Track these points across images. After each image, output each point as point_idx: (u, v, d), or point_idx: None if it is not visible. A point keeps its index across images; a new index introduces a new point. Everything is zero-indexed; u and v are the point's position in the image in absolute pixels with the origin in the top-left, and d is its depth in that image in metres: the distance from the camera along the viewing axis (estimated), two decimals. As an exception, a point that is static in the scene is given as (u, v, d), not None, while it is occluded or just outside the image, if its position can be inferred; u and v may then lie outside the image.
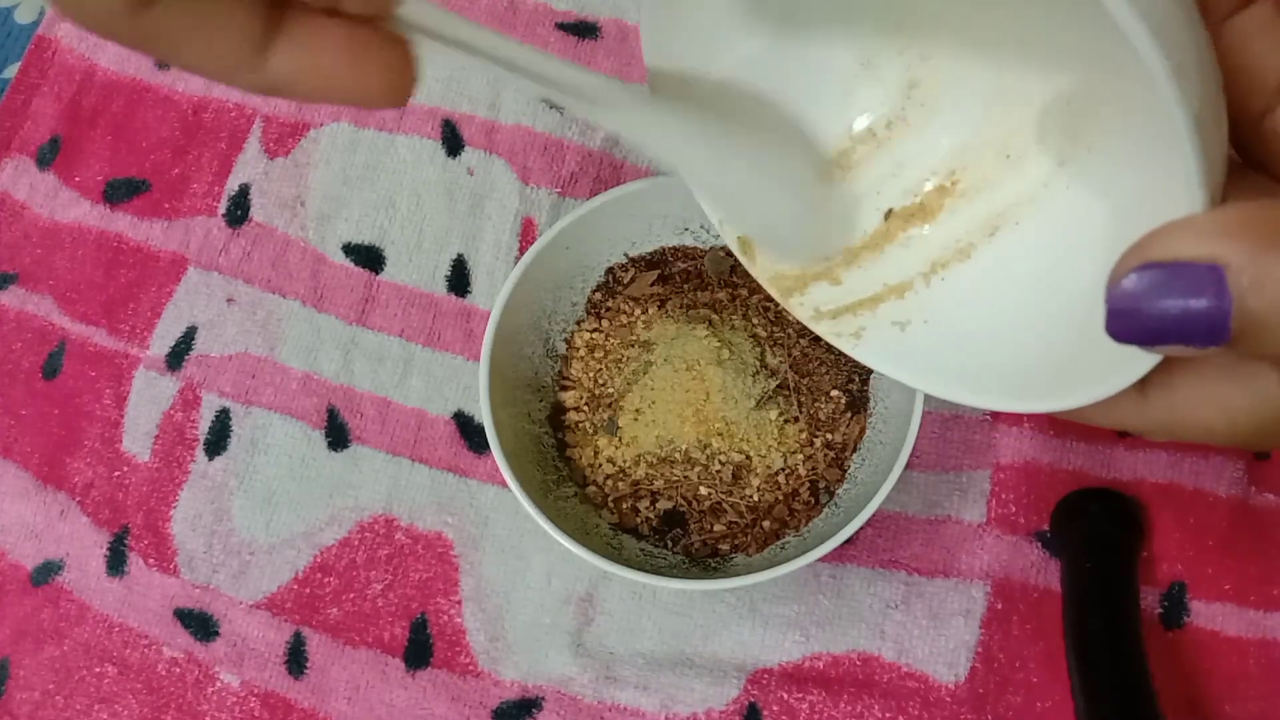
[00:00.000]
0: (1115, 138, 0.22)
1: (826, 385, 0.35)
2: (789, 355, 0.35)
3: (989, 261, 0.25)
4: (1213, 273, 0.16)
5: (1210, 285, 0.16)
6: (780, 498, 0.34)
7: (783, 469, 0.34)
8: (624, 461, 0.34)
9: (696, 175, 0.24)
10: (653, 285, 0.36)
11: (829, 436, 0.34)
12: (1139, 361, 0.19)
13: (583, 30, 0.42)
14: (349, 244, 0.40)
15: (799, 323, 0.28)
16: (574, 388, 0.36)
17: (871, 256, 0.26)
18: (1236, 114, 0.19)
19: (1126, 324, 0.17)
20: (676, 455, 0.34)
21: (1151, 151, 0.18)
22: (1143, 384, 0.20)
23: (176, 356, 0.40)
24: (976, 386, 0.24)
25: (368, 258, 0.40)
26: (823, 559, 0.30)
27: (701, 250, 0.37)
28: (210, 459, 0.38)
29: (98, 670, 0.36)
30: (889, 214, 0.26)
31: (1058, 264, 0.23)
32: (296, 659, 0.36)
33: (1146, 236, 0.17)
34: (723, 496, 0.34)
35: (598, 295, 0.37)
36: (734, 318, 0.35)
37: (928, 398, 0.30)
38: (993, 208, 0.25)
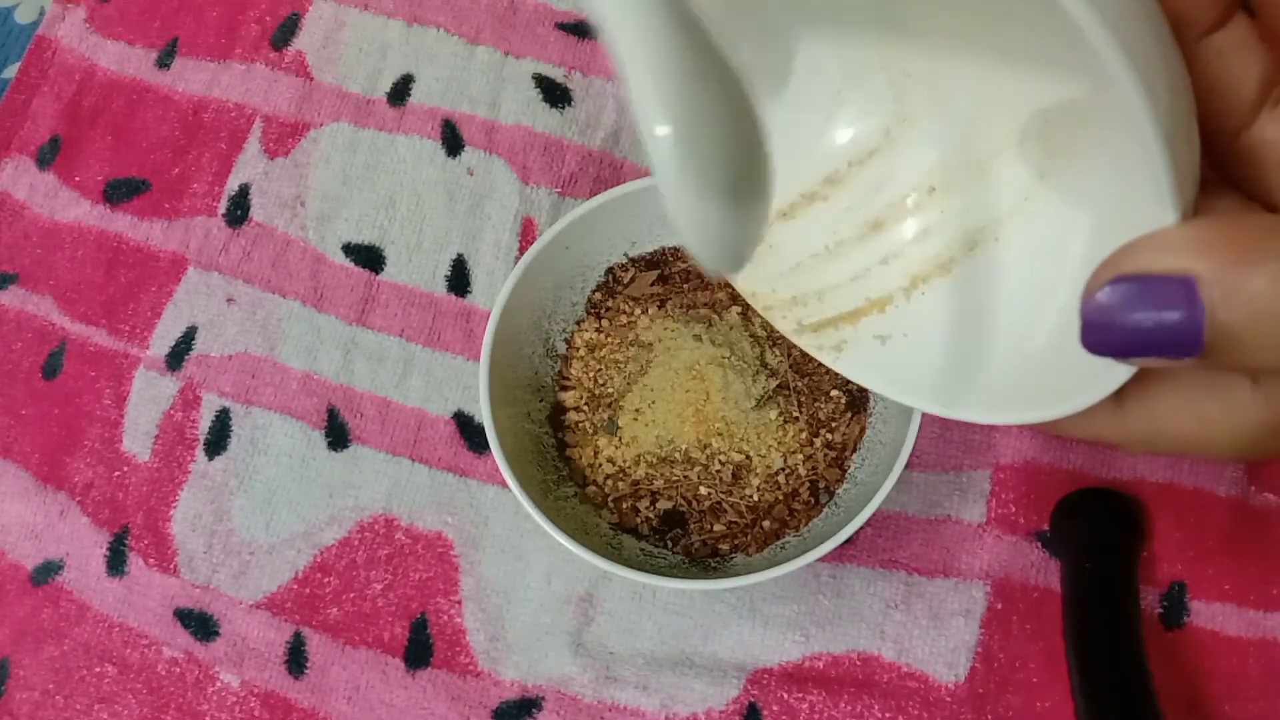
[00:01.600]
0: (1093, 153, 0.22)
1: (826, 385, 0.35)
2: (789, 355, 0.35)
3: (969, 276, 0.25)
4: (1184, 286, 0.16)
5: (1182, 298, 0.16)
6: (780, 498, 0.34)
7: (783, 469, 0.34)
8: (624, 461, 0.34)
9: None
10: (653, 285, 0.36)
11: (829, 436, 0.34)
12: (1115, 373, 0.19)
13: (583, 30, 0.42)
14: (349, 244, 0.40)
15: None
16: (574, 388, 0.36)
17: (849, 270, 0.26)
18: (1212, 131, 0.19)
19: (1101, 337, 0.17)
20: (676, 455, 0.34)
21: (1127, 167, 0.18)
22: (1120, 396, 0.20)
23: (176, 356, 0.40)
24: (954, 400, 0.24)
25: (368, 258, 0.40)
26: (823, 559, 0.30)
27: (701, 250, 0.37)
28: (210, 459, 0.38)
29: (98, 670, 0.36)
30: (872, 227, 0.26)
31: (1036, 278, 0.23)
32: (296, 659, 0.36)
33: (1119, 251, 0.17)
34: (723, 496, 0.34)
35: (598, 295, 0.37)
36: (734, 318, 0.35)
37: None
38: (973, 222, 0.25)
